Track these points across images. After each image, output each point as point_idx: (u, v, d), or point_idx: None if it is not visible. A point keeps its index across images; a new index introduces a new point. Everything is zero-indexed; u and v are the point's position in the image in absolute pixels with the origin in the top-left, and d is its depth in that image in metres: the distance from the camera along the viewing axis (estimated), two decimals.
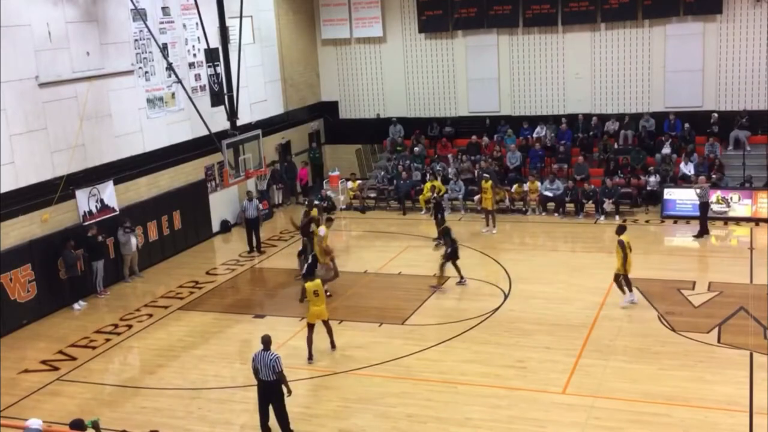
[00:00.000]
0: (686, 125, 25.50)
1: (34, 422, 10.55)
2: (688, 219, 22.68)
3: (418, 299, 17.80)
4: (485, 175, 23.36)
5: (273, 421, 12.18)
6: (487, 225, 22.85)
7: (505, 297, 17.62)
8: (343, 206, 26.52)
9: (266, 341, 12.14)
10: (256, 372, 12.09)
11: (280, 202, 27.24)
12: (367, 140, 29.78)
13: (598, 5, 26.26)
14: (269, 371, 11.87)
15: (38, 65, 18.23)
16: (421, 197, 25.07)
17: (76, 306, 18.66)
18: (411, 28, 28.80)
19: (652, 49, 26.22)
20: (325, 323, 15.08)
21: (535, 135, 27.03)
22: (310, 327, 14.89)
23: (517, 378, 13.75)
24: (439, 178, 25.24)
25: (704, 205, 21.32)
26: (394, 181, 26.47)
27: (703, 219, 21.32)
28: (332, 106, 30.49)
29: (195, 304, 18.59)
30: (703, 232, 21.19)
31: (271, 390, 11.99)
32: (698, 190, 21.29)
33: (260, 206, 23.22)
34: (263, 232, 24.01)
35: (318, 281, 14.95)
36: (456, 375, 14.03)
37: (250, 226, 22.25)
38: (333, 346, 15.23)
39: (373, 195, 26.66)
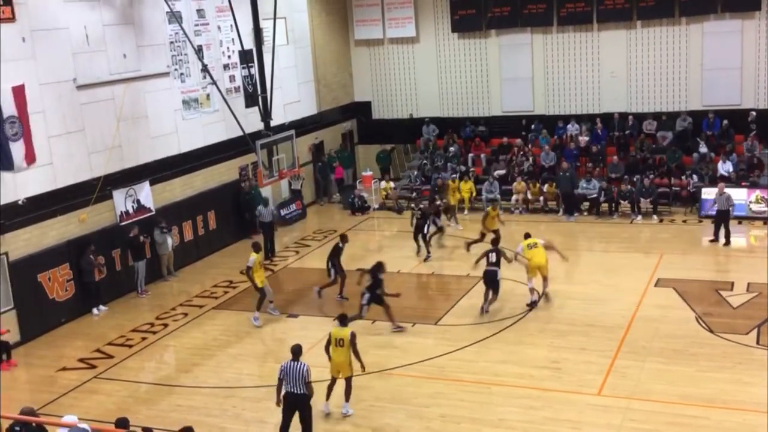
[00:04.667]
0: (725, 122, 25.10)
1: (70, 418, 10.70)
2: None
3: (452, 299, 17.74)
4: (453, 176, 23.79)
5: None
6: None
7: (540, 297, 17.48)
8: (376, 206, 26.53)
9: (295, 351, 11.79)
10: (280, 382, 11.69)
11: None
12: (400, 140, 29.77)
13: (634, 3, 25.96)
14: (298, 382, 11.53)
15: (76, 68, 18.51)
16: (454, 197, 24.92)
17: (95, 311, 18.69)
18: (444, 27, 28.72)
19: (689, 47, 25.85)
20: (346, 381, 12.88)
21: (568, 132, 26.79)
22: (332, 381, 12.99)
23: (552, 379, 13.64)
24: (471, 179, 25.11)
25: (723, 213, 20.61)
26: (433, 177, 26.16)
27: (724, 227, 20.48)
28: (365, 107, 30.53)
29: (229, 304, 18.73)
30: (727, 241, 20.47)
31: (297, 402, 11.67)
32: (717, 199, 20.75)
33: (274, 211, 23.15)
34: (296, 232, 24.18)
35: (346, 331, 12.76)
36: (490, 375, 13.96)
37: (266, 231, 22.22)
38: (346, 397, 12.95)
39: (413, 195, 26.43)
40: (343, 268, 18.22)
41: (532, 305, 16.88)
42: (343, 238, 18.37)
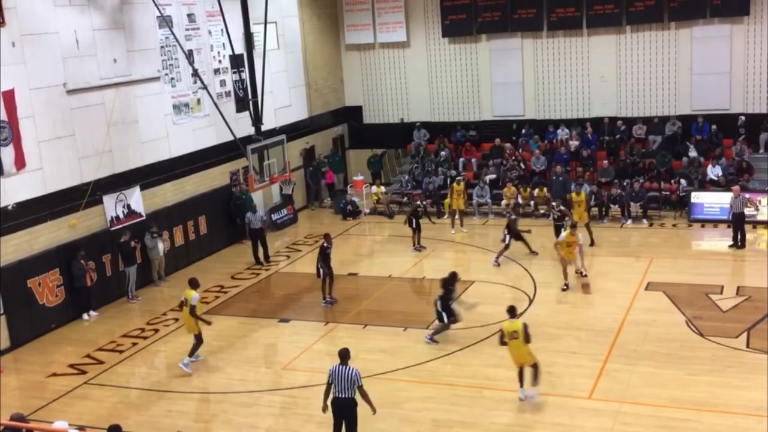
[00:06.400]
0: (713, 127, 25.22)
1: (61, 424, 10.65)
2: (715, 223, 22.46)
3: None
4: (458, 178, 24.49)
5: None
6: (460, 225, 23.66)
7: (530, 301, 17.52)
8: (367, 211, 26.54)
9: (343, 355, 11.44)
10: (328, 387, 11.40)
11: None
12: (391, 145, 29.79)
13: (624, 8, 26.08)
14: (345, 386, 11.24)
15: (66, 72, 18.46)
16: (446, 201, 24.93)
17: (85, 316, 18.59)
18: (435, 32, 28.77)
19: (678, 52, 25.97)
20: (533, 367, 12.96)
21: (558, 136, 26.87)
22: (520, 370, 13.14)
23: (543, 383, 13.59)
24: (462, 183, 25.13)
25: (738, 216, 20.64)
26: (424, 182, 26.24)
27: (740, 230, 20.53)
28: (356, 111, 30.54)
29: (220, 309, 18.68)
30: (743, 244, 20.53)
31: (344, 406, 11.38)
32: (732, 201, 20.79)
33: (264, 218, 22.95)
34: (287, 237, 24.19)
35: (518, 323, 12.90)
36: (481, 380, 13.98)
37: (256, 238, 22.09)
38: (534, 381, 13.04)
39: (405, 200, 26.47)
40: (332, 270, 18.23)
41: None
42: (327, 238, 18.34)
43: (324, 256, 18.12)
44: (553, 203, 21.68)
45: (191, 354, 15.32)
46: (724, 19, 25.18)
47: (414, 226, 21.82)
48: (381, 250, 23.05)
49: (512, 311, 13.16)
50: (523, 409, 12.81)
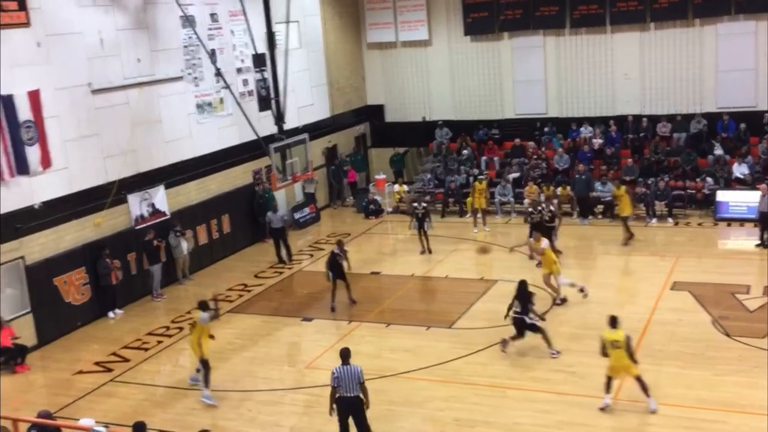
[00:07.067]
0: (742, 125, 24.93)
1: (87, 421, 10.76)
2: (742, 222, 22.22)
3: (466, 303, 17.71)
4: (480, 177, 24.54)
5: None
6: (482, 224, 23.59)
7: (554, 301, 17.42)
8: (390, 209, 26.53)
9: (345, 354, 11.49)
10: (335, 390, 11.41)
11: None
12: (413, 143, 29.75)
13: (648, 5, 25.85)
14: (352, 384, 11.29)
15: (91, 72, 18.61)
16: (468, 200, 24.86)
17: (110, 315, 18.74)
18: (456, 30, 28.67)
19: (703, 49, 25.70)
20: (638, 379, 12.53)
21: (581, 134, 26.68)
22: (609, 378, 12.67)
23: (567, 383, 13.59)
24: (485, 182, 25.04)
25: (765, 215, 20.34)
26: (446, 180, 26.19)
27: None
28: (378, 110, 30.52)
29: (244, 307, 18.78)
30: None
31: (351, 405, 11.42)
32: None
33: (285, 217, 22.82)
34: (310, 236, 24.23)
35: (620, 332, 12.48)
36: (504, 379, 13.94)
37: (277, 237, 22.07)
38: (646, 393, 12.55)
39: (428, 198, 26.35)
40: (345, 275, 17.95)
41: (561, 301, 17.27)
42: (339, 245, 18.08)
43: (333, 264, 17.80)
44: (543, 203, 20.69)
45: (206, 383, 14.01)
46: (749, 16, 24.88)
47: (416, 228, 21.68)
48: (403, 249, 23.02)
49: (613, 321, 12.64)
50: (546, 410, 12.74)
